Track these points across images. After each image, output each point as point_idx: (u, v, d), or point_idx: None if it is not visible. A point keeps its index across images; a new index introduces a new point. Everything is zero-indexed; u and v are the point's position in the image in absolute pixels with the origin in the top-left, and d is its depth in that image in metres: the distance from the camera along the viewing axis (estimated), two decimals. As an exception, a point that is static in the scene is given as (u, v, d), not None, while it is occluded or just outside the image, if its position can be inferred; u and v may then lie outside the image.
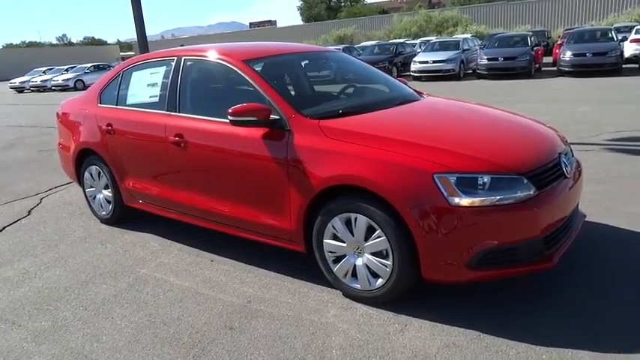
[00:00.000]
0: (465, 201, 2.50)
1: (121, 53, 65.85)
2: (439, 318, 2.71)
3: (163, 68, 3.96)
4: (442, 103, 3.82)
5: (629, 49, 16.72)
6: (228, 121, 3.26)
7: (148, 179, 3.99)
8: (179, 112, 3.69)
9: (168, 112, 3.75)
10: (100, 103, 4.42)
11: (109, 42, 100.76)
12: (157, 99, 3.92)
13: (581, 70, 14.69)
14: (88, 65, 30.04)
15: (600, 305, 2.72)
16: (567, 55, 15.05)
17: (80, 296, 3.27)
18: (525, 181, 2.59)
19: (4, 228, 4.75)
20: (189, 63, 3.79)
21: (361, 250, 2.85)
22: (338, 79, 4.12)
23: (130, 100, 4.17)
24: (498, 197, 2.52)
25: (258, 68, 3.47)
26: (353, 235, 2.85)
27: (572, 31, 19.53)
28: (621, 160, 5.49)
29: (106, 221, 4.61)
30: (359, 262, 2.88)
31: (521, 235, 2.58)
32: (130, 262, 3.77)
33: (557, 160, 2.88)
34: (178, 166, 3.68)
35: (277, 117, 3.10)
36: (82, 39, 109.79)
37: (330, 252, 2.98)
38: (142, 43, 9.47)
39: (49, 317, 3.02)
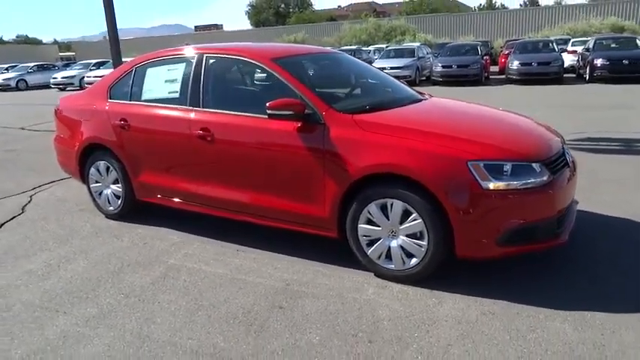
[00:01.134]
0: (495, 185, 2.84)
1: (60, 53, 62.97)
2: (469, 292, 3.02)
3: (182, 65, 4.07)
4: (450, 102, 4.17)
5: (567, 60, 18.07)
6: (259, 115, 3.48)
7: (168, 173, 4.08)
8: (202, 108, 3.82)
9: (191, 108, 3.87)
10: (111, 99, 4.44)
11: (44, 41, 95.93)
12: (177, 94, 4.03)
13: (528, 78, 15.75)
14: (31, 65, 28.67)
15: (609, 274, 3.14)
16: (515, 65, 16.10)
17: (116, 285, 3.33)
18: (543, 167, 2.95)
19: (2, 225, 4.65)
20: (211, 61, 3.92)
21: (396, 233, 3.12)
22: (350, 78, 4.37)
23: (145, 96, 4.24)
24: (522, 182, 2.87)
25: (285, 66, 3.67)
26: (388, 219, 3.11)
27: (515, 42, 20.84)
28: (586, 158, 6.09)
29: (112, 216, 4.63)
30: (394, 243, 3.14)
31: (541, 215, 2.95)
32: (154, 253, 3.85)
33: (562, 151, 3.28)
34: (203, 160, 3.81)
35: (310, 111, 3.32)
36: (14, 37, 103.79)
37: (365, 236, 3.23)
38: (114, 41, 9.32)
39: (92, 304, 3.08)
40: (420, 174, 2.91)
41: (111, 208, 4.61)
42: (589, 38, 19.07)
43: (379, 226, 3.16)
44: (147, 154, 4.17)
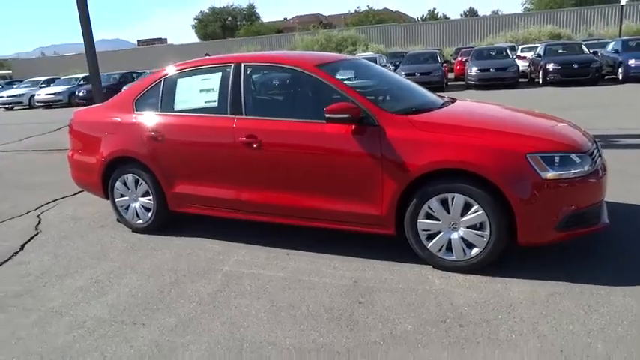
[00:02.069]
0: (551, 175, 3.09)
1: (-5, 71, 59.78)
2: (526, 276, 3.23)
3: (218, 74, 4.11)
4: (477, 103, 4.44)
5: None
6: (310, 120, 3.60)
7: (207, 182, 4.09)
8: (245, 115, 3.89)
9: (232, 116, 3.92)
10: (138, 111, 4.41)
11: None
12: (215, 103, 4.06)
13: (486, 83, 16.57)
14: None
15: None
16: (474, 71, 16.90)
17: (182, 294, 3.32)
18: (585, 158, 3.23)
19: (23, 245, 4.48)
20: (249, 69, 4.00)
21: (456, 225, 3.31)
22: (379, 82, 4.54)
23: (179, 107, 4.24)
24: (574, 171, 3.14)
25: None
26: (449, 213, 3.29)
27: (467, 49, 21.85)
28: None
29: (142, 230, 4.56)
30: (454, 235, 3.33)
31: (589, 202, 3.23)
32: (203, 262, 3.85)
33: (595, 145, 3.59)
34: (249, 166, 3.86)
35: (364, 115, 3.47)
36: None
37: (424, 230, 3.40)
38: (91, 55, 9.11)
39: (167, 314, 3.07)
40: (485, 168, 3.11)
41: (139, 221, 4.55)
42: (537, 45, 20.27)
43: (439, 220, 3.34)
44: (183, 164, 4.17)
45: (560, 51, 17.34)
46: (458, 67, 19.99)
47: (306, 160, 3.67)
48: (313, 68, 3.77)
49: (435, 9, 71.12)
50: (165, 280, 3.57)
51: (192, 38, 68.17)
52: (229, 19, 68.77)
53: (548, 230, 3.15)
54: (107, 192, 4.66)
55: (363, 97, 3.57)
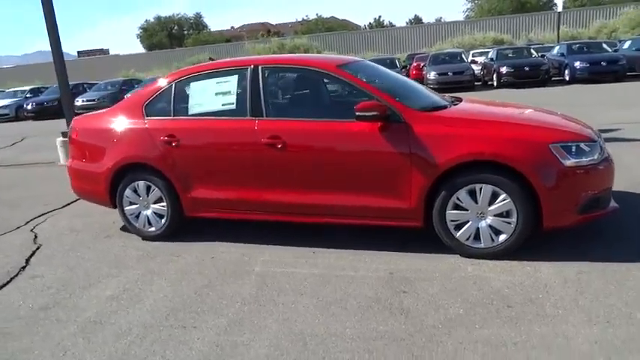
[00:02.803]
0: (571, 162, 3.33)
1: None
2: (550, 259, 3.45)
3: (234, 77, 4.12)
4: (483, 100, 4.66)
5: (471, 69, 19.96)
6: (335, 119, 3.71)
7: (227, 184, 4.08)
8: (267, 117, 3.93)
9: (253, 118, 3.95)
10: (148, 116, 4.34)
11: None
12: (233, 106, 4.07)
13: (445, 87, 17.17)
14: None
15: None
16: (432, 75, 17.53)
17: (222, 296, 3.31)
18: (596, 147, 3.49)
19: (28, 260, 4.29)
20: (267, 71, 4.05)
21: (484, 214, 3.49)
22: (388, 82, 4.66)
23: (194, 110, 4.22)
24: (588, 158, 3.39)
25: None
26: (477, 203, 3.47)
27: (421, 55, 22.58)
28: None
29: (154, 237, 4.48)
30: (482, 224, 3.51)
31: (602, 186, 3.49)
32: (231, 265, 3.83)
33: (599, 136, 3.87)
34: (273, 167, 3.89)
35: (389, 112, 3.59)
36: None
37: (452, 220, 3.56)
38: (60, 66, 8.78)
39: (215, 316, 3.05)
40: (514, 159, 3.31)
41: (152, 229, 4.47)
42: (488, 50, 21.24)
43: (467, 210, 3.51)
44: (201, 168, 4.14)
45: (510, 55, 18.27)
46: (414, 72, 20.60)
47: (332, 157, 3.75)
48: (335, 69, 3.87)
49: (380, 16, 72.98)
50: (197, 283, 3.54)
51: (138, 48, 66.48)
52: (176, 28, 67.58)
53: (570, 214, 3.38)
54: (114, 201, 4.55)
55: (388, 95, 3.70)
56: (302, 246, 4.06)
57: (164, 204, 4.35)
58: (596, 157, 3.43)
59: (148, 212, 4.44)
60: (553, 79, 18.05)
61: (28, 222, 5.45)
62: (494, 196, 3.43)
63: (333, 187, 3.79)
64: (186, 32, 68.29)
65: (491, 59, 18.36)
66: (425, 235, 3.77)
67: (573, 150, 3.38)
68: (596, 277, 3.16)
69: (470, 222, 3.53)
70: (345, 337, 2.72)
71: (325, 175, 3.79)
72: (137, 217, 4.50)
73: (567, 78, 16.99)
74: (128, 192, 4.44)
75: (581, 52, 17.35)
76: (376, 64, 4.83)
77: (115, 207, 4.62)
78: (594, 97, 12.86)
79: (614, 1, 43.65)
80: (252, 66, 4.07)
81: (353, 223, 3.88)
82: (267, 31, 76.49)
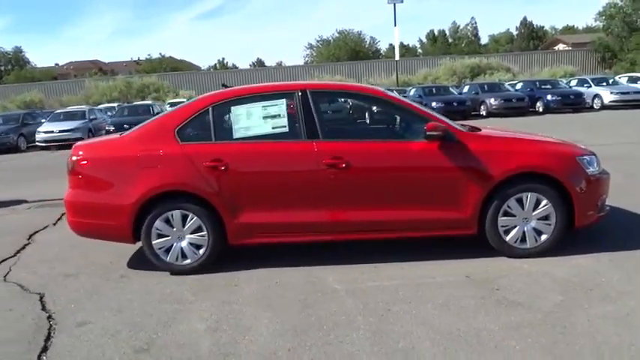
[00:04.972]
0: (591, 171, 4.13)
1: None
2: (571, 253, 4.12)
3: (282, 101, 4.16)
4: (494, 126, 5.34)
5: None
6: (392, 140, 4.05)
7: (284, 207, 4.04)
8: (324, 139, 4.05)
9: (310, 140, 4.03)
10: (183, 141, 4.10)
11: None
12: (285, 129, 4.10)
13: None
14: None
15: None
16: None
17: (332, 314, 3.29)
18: (597, 160, 4.35)
19: (46, 310, 3.65)
20: (317, 96, 4.18)
21: (528, 219, 4.08)
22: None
23: (239, 134, 4.11)
24: (598, 168, 4.24)
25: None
26: (523, 209, 4.05)
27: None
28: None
29: (188, 271, 4.15)
30: (527, 227, 4.09)
31: (606, 192, 4.35)
32: (307, 286, 3.76)
33: None
34: (335, 187, 3.99)
35: (446, 132, 4.02)
36: None
37: (502, 226, 4.08)
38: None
39: (352, 329, 3.05)
40: (554, 170, 3.98)
41: (187, 261, 4.14)
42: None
43: (515, 216, 4.06)
44: (253, 192, 4.04)
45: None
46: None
47: (393, 175, 4.03)
48: (382, 94, 4.20)
49: (224, 58, 74.01)
50: (292, 307, 3.44)
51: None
52: (-7, 63, 59.61)
53: (593, 215, 4.16)
54: (136, 235, 4.13)
55: (442, 118, 4.14)
56: (355, 263, 4.18)
57: (203, 233, 4.09)
58: (599, 168, 4.28)
59: (183, 244, 4.12)
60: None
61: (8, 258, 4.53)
62: (537, 203, 4.04)
63: (395, 202, 4.04)
64: (3, 68, 60.78)
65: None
66: (446, 243, 4.25)
67: (589, 162, 4.19)
68: (627, 262, 3.91)
69: (517, 226, 4.08)
70: (492, 329, 2.98)
71: (387, 192, 4.04)
72: (167, 251, 4.14)
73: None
74: (159, 224, 4.08)
75: (434, 94, 20.12)
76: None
77: (135, 242, 4.19)
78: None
79: (435, 53, 51.10)
80: (299, 90, 4.16)
81: (410, 236, 4.15)
82: (98, 69, 72.14)
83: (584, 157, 4.17)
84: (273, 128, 4.13)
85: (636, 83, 22.45)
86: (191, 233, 4.11)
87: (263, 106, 4.18)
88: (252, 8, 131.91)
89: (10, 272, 4.52)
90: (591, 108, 21.61)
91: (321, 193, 4.03)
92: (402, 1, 32.54)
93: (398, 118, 4.25)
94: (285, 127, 4.12)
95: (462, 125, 4.82)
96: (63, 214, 6.70)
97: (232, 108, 4.20)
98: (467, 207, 4.02)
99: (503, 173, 3.97)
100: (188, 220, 4.08)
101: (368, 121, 4.66)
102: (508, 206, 4.04)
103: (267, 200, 4.06)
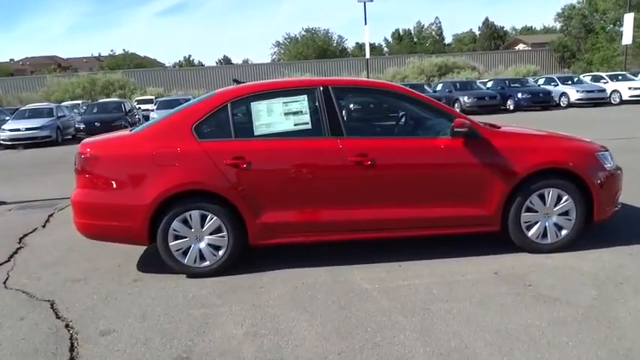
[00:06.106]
0: (609, 166, 4.19)
1: None
2: (585, 247, 4.17)
3: (303, 97, 4.04)
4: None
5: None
6: (417, 136, 4.00)
7: (308, 205, 3.93)
8: (348, 136, 3.96)
9: (335, 137, 3.94)
10: (202, 138, 3.93)
11: None
12: (308, 126, 3.98)
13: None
14: None
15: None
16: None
17: (372, 314, 3.21)
18: (611, 155, 4.42)
19: (72, 333, 3.43)
20: (339, 92, 4.09)
21: (549, 214, 4.11)
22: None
23: (260, 131, 3.97)
24: (613, 164, 4.31)
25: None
26: (545, 205, 4.08)
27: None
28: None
29: (207, 273, 3.98)
30: (549, 223, 4.11)
31: (621, 188, 4.43)
32: (336, 287, 3.67)
33: None
34: (361, 184, 3.91)
35: (472, 129, 4.00)
36: None
37: (525, 222, 4.09)
38: None
39: (400, 331, 2.99)
40: (576, 166, 4.02)
41: (206, 263, 3.98)
42: None
43: (537, 212, 4.08)
44: (275, 191, 3.91)
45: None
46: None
47: (419, 172, 3.98)
48: (407, 91, 4.14)
49: (190, 55, 72.61)
50: (328, 308, 3.35)
51: None
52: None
53: (610, 209, 4.22)
54: (152, 236, 3.93)
55: (465, 115, 4.11)
56: (380, 262, 4.11)
57: (223, 234, 3.94)
58: (613, 164, 4.35)
59: (202, 245, 3.96)
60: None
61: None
62: (558, 198, 4.07)
63: (420, 200, 3.99)
64: (-48, 64, 57.79)
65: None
66: (465, 240, 4.26)
67: (605, 157, 4.25)
68: (642, 255, 4.02)
69: (539, 222, 4.11)
70: (539, 327, 2.97)
71: (412, 190, 3.98)
72: (184, 253, 3.96)
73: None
74: (176, 224, 3.90)
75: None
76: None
77: (149, 244, 4.00)
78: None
79: (401, 52, 51.56)
80: (321, 86, 4.06)
81: (434, 234, 4.12)
82: (57, 65, 69.61)
83: (601, 152, 4.24)
84: (295, 125, 4.01)
85: (599, 82, 23.30)
86: (210, 234, 3.95)
87: (284, 102, 4.05)
88: (216, 4, 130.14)
89: (9, 278, 4.24)
90: (558, 106, 22.32)
91: (347, 191, 3.94)
92: (372, 0, 32.68)
93: (421, 114, 4.20)
94: (307, 123, 4.00)
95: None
96: (50, 216, 6.42)
97: (252, 104, 4.05)
98: (491, 204, 4.02)
99: (526, 169, 3.98)
100: (207, 220, 3.92)
101: (390, 118, 4.60)
102: (530, 202, 4.05)
103: (290, 199, 3.94)
